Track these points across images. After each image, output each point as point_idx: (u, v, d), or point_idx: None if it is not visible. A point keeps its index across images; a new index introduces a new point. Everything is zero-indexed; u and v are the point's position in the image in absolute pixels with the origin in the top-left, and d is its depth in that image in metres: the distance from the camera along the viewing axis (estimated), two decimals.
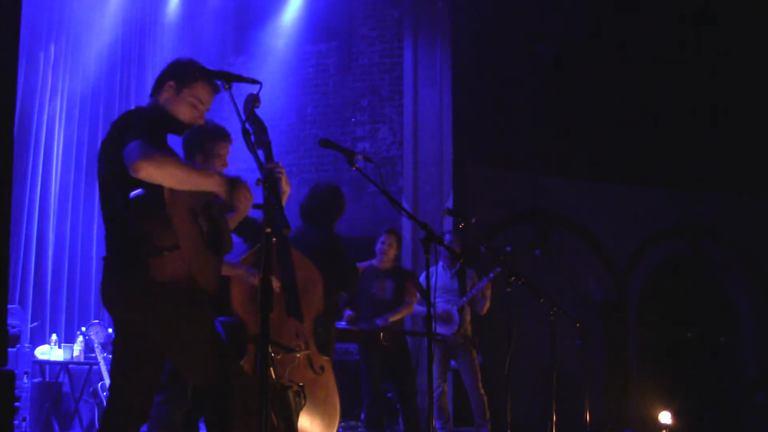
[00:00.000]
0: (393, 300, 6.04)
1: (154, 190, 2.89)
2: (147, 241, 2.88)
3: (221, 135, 3.98)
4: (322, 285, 4.39)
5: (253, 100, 3.19)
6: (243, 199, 3.09)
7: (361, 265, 6.15)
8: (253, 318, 3.88)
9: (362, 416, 6.07)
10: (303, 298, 4.19)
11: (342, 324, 5.85)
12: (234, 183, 3.08)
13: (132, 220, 2.93)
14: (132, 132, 2.91)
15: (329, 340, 5.07)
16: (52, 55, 7.91)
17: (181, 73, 3.24)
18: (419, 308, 6.45)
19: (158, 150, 2.88)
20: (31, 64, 7.65)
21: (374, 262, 6.19)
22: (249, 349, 3.91)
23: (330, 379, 4.38)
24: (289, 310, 4.11)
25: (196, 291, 2.99)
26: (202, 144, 3.93)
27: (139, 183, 2.90)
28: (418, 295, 6.29)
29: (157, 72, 3.33)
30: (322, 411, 4.28)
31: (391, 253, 6.10)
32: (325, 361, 4.38)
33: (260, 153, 3.17)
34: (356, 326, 5.89)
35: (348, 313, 5.90)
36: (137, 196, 2.91)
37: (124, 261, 3.00)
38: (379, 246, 6.13)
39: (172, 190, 2.94)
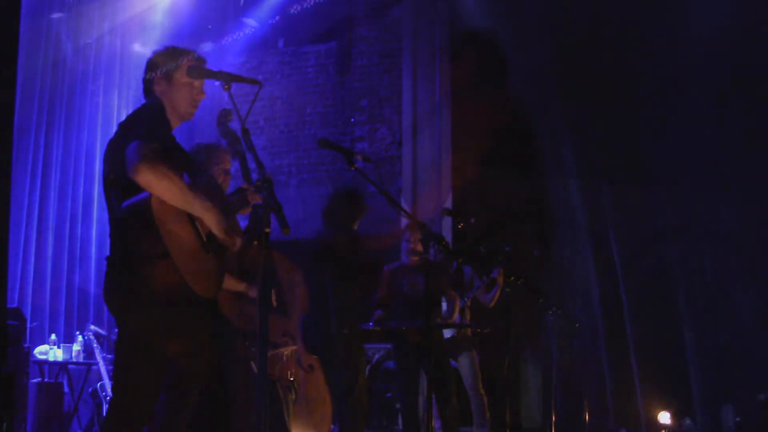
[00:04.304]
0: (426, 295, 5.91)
1: (142, 198, 2.87)
2: (138, 249, 2.88)
3: (222, 148, 4.00)
4: (304, 284, 4.48)
5: (226, 115, 3.11)
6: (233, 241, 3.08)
7: (390, 267, 6.14)
8: (236, 314, 3.95)
9: (399, 424, 5.93)
10: (287, 295, 4.27)
11: (370, 324, 5.81)
12: (228, 228, 3.04)
13: (125, 227, 2.95)
14: (133, 131, 2.90)
15: (355, 340, 5.10)
16: (52, 55, 7.91)
17: (165, 60, 3.22)
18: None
19: (161, 159, 2.83)
20: (31, 64, 7.65)
21: (403, 260, 6.16)
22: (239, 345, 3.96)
23: (320, 378, 4.45)
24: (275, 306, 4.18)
25: (190, 297, 2.94)
26: (216, 161, 3.95)
27: (131, 189, 2.87)
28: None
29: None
30: (313, 409, 4.33)
31: (419, 248, 5.94)
32: (313, 359, 4.45)
33: (236, 163, 3.10)
34: (384, 326, 5.82)
35: (378, 313, 5.86)
36: (127, 205, 2.91)
37: (121, 265, 3.01)
38: (405, 244, 6.09)
39: None
